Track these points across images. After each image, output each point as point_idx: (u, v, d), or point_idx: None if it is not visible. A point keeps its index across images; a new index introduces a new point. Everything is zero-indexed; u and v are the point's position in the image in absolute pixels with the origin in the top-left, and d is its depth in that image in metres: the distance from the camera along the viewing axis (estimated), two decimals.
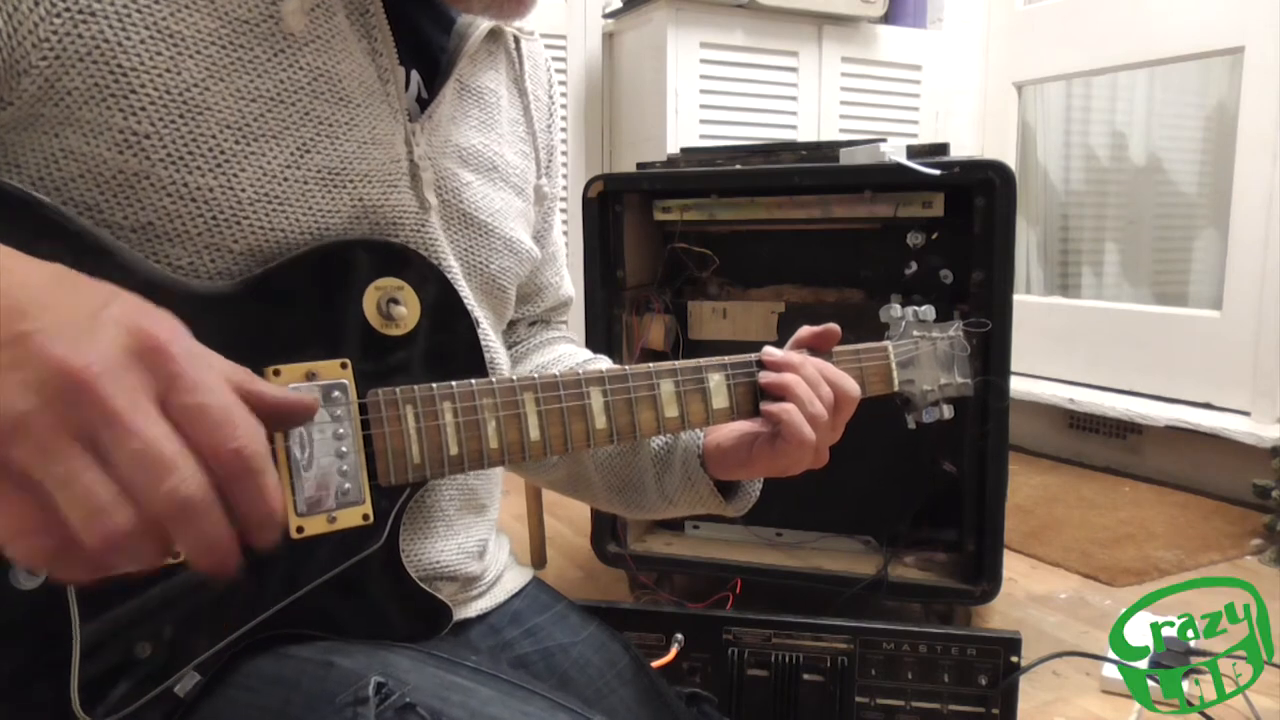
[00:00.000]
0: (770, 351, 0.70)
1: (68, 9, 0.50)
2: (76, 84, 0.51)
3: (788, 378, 0.67)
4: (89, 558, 0.35)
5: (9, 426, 0.34)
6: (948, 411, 0.83)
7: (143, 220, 0.53)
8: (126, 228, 0.53)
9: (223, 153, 0.54)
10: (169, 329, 0.38)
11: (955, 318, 0.88)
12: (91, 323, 0.36)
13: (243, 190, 0.55)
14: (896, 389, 0.79)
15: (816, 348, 0.73)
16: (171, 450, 0.35)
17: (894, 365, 0.78)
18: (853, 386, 0.70)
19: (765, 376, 0.69)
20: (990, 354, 1.32)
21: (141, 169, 0.53)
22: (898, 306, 0.83)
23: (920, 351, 0.81)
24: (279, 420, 0.44)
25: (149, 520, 0.35)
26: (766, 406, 0.67)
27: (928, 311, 0.84)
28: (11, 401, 0.34)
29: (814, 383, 0.68)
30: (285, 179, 0.57)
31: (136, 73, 0.52)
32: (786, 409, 0.66)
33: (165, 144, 0.53)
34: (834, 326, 0.73)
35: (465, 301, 0.64)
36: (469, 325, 0.62)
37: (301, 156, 0.57)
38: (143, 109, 0.52)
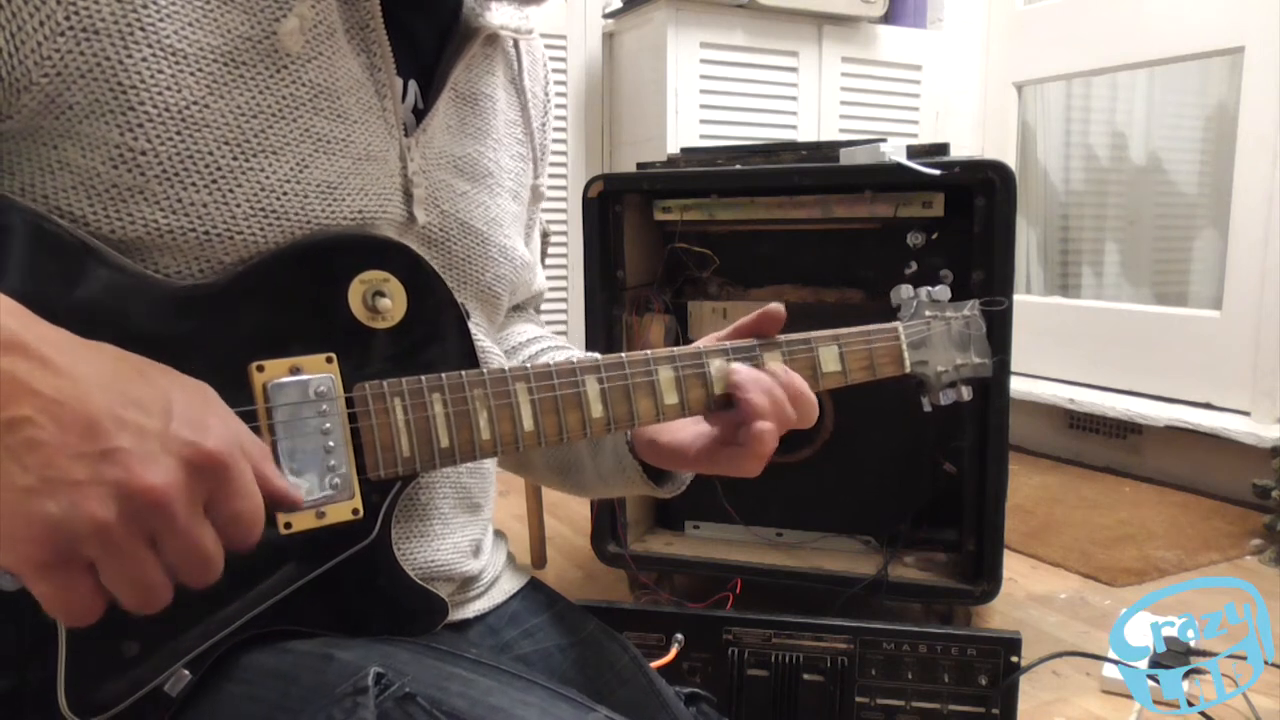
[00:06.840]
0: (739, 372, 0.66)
1: (71, 28, 0.50)
2: (77, 99, 0.51)
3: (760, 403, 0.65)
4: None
5: (89, 530, 0.40)
6: (966, 393, 0.81)
7: (132, 234, 0.53)
8: (114, 240, 0.53)
9: (219, 168, 0.54)
10: (219, 440, 0.44)
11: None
12: (161, 443, 0.42)
13: (237, 205, 0.55)
14: (909, 370, 0.77)
15: (763, 334, 0.69)
16: (214, 550, 0.44)
17: (905, 346, 0.76)
18: (809, 396, 0.67)
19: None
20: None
21: (136, 184, 0.53)
22: (909, 287, 0.81)
23: (933, 332, 0.79)
24: (270, 502, 0.49)
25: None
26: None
27: (941, 291, 0.81)
28: (94, 510, 0.40)
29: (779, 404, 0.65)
30: (284, 193, 0.57)
31: (136, 90, 0.52)
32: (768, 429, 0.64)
33: (161, 159, 0.53)
34: (777, 306, 0.69)
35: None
36: (458, 317, 0.62)
37: (300, 172, 0.57)
38: (140, 125, 0.52)
